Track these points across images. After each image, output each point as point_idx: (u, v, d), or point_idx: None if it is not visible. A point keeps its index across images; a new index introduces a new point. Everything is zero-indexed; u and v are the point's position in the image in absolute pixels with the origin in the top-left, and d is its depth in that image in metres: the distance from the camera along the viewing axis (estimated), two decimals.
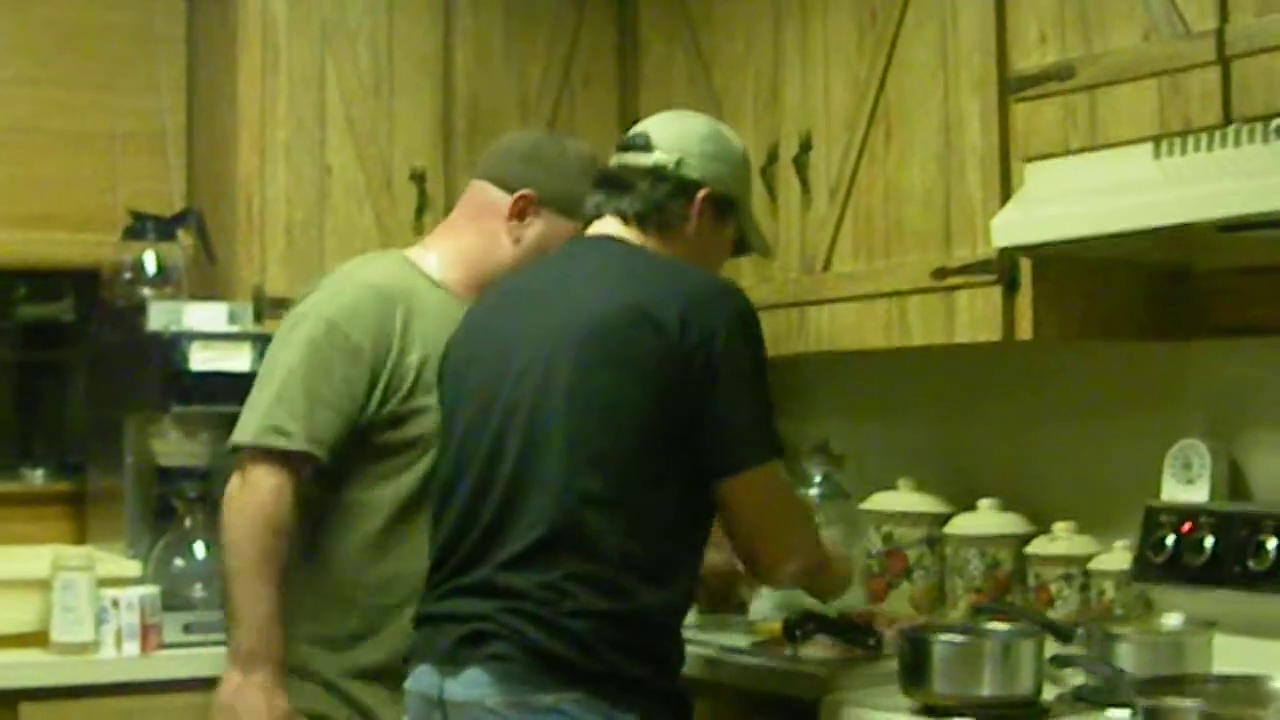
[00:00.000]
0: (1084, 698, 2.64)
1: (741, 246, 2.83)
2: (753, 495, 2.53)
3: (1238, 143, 2.55)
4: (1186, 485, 3.03)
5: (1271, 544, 2.81)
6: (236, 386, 3.27)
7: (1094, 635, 2.75)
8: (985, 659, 2.60)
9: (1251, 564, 2.83)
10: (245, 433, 2.76)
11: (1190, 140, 2.61)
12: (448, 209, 3.12)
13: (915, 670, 2.63)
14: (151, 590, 3.48)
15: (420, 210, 3.82)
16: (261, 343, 3.48)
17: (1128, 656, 2.67)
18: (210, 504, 3.61)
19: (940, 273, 3.09)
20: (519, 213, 2.93)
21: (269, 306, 3.67)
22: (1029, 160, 2.90)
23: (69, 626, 3.39)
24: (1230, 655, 2.71)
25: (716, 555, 3.04)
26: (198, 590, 3.57)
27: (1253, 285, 2.99)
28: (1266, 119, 2.50)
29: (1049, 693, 2.65)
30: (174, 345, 3.55)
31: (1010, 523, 3.32)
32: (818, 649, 3.00)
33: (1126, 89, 2.71)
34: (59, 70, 4.12)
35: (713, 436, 2.47)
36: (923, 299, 3.14)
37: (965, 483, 3.46)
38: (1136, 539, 3.03)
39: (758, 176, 3.29)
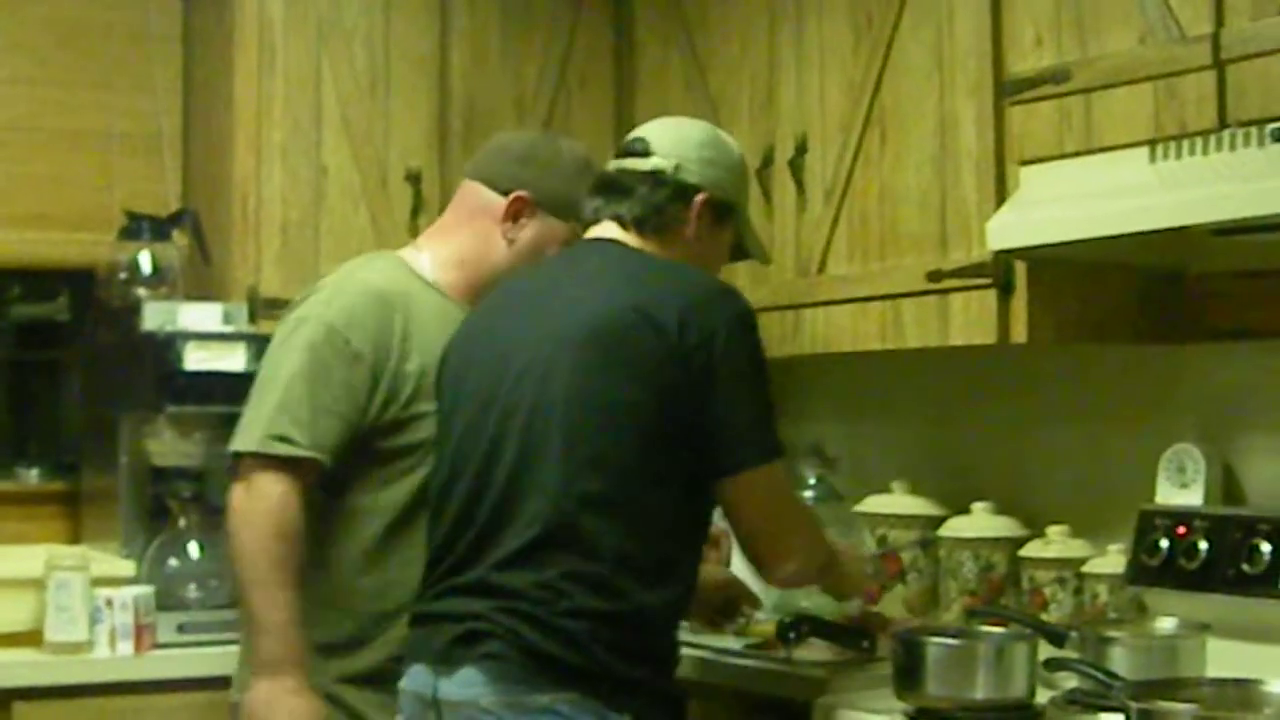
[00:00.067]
0: (1077, 701, 2.63)
1: (739, 252, 2.84)
2: (753, 496, 2.54)
3: (1233, 146, 2.55)
4: (1181, 489, 3.03)
5: (1265, 548, 2.81)
6: (231, 387, 3.28)
7: (1088, 639, 2.75)
8: (979, 662, 2.60)
9: (1245, 568, 2.83)
10: (248, 440, 2.72)
11: (1185, 144, 2.62)
12: (443, 210, 3.11)
13: (908, 673, 2.63)
14: (145, 590, 3.47)
15: (416, 211, 3.82)
16: (256, 343, 3.48)
17: (1121, 660, 2.67)
18: (205, 504, 3.62)
19: (935, 275, 3.09)
20: (514, 214, 2.92)
21: (264, 307, 3.67)
22: (1024, 163, 2.90)
23: (63, 626, 3.39)
24: (1224, 659, 2.71)
25: (717, 570, 3.05)
26: (192, 590, 3.57)
27: (1247, 289, 2.99)
28: (1261, 123, 2.50)
29: (1042, 696, 2.65)
30: (169, 345, 3.55)
31: (1004, 526, 3.32)
32: (811, 651, 3.00)
33: (1122, 92, 2.71)
34: (56, 69, 4.12)
35: (712, 437, 2.47)
36: (917, 302, 3.13)
37: (960, 485, 3.46)
38: (1130, 542, 3.03)
39: (753, 178, 3.29)
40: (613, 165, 2.74)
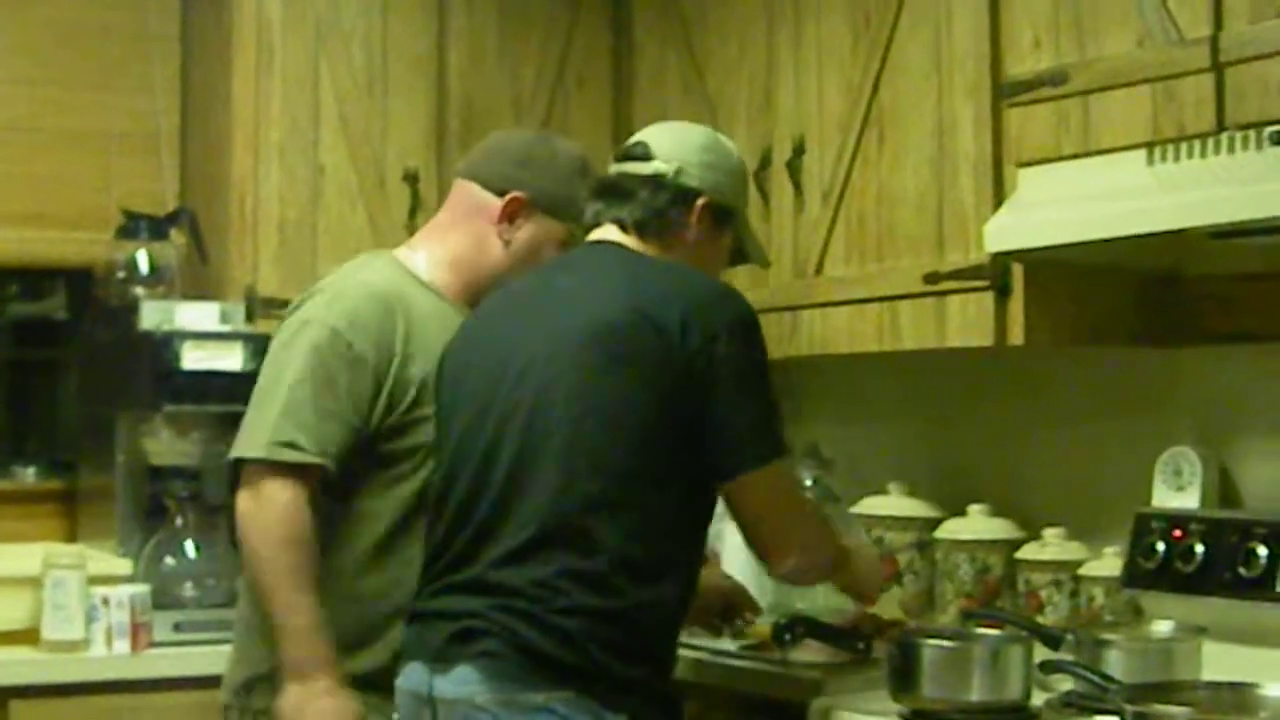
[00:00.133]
0: (1073, 704, 2.64)
1: (739, 255, 2.84)
2: (755, 496, 2.54)
3: (1231, 149, 2.55)
4: (1177, 492, 3.03)
5: (1262, 551, 2.81)
6: (228, 386, 3.29)
7: (1083, 641, 2.74)
8: (974, 664, 2.60)
9: (1242, 571, 2.83)
10: (255, 446, 2.70)
11: (1183, 147, 2.62)
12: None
13: (904, 675, 2.62)
14: (142, 589, 3.47)
15: (413, 211, 3.82)
16: (254, 342, 3.49)
17: (1117, 663, 2.66)
18: (202, 503, 3.62)
19: (932, 277, 3.09)
20: (509, 215, 2.90)
21: (261, 306, 3.67)
22: (1022, 165, 2.90)
23: (59, 624, 3.39)
24: (1220, 663, 2.71)
25: (719, 575, 3.05)
26: (188, 589, 3.58)
27: (1244, 292, 2.99)
28: (1260, 125, 2.50)
29: (1038, 699, 2.65)
30: (166, 344, 3.55)
31: (1001, 528, 3.32)
32: (807, 653, 3.00)
33: (1120, 95, 2.71)
34: (55, 69, 4.12)
35: (713, 439, 2.47)
36: (914, 303, 3.13)
37: (956, 487, 3.46)
38: (1127, 545, 3.03)
39: (751, 180, 3.29)
40: (613, 169, 2.74)
